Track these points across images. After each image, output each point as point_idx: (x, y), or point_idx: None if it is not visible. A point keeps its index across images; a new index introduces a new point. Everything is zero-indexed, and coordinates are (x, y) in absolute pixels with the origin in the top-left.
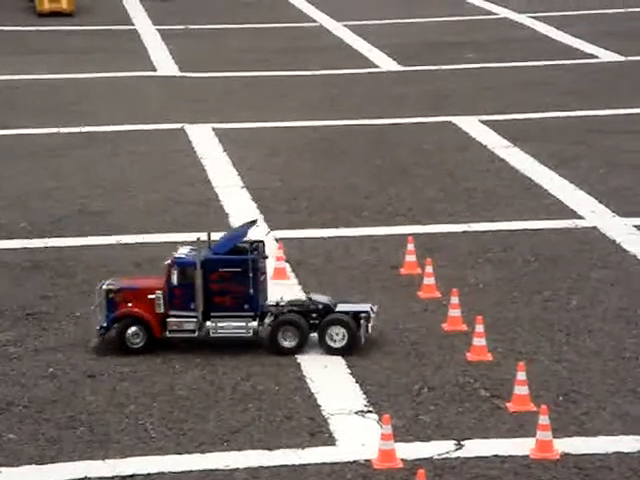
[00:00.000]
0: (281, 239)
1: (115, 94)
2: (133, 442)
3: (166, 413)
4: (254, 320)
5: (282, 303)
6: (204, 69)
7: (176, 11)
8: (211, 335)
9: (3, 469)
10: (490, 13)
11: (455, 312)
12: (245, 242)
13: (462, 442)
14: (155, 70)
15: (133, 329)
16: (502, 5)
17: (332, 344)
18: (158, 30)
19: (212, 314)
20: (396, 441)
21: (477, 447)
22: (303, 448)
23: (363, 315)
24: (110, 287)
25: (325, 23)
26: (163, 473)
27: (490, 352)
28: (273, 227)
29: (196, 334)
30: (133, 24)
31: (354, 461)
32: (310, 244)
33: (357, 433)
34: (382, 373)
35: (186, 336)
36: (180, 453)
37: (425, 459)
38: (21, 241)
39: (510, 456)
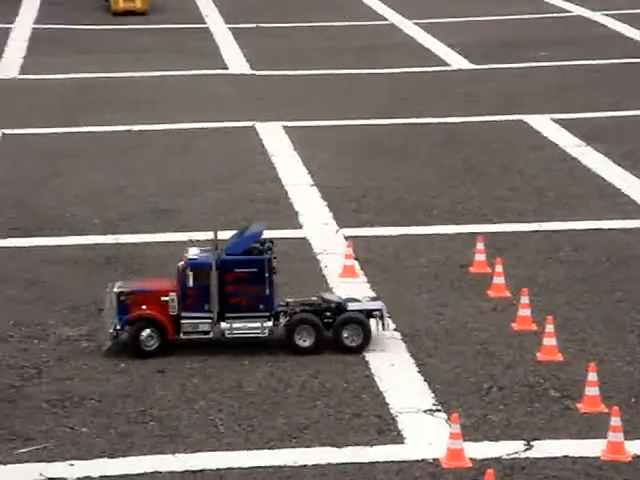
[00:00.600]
0: (350, 237)
1: (187, 92)
2: (203, 437)
3: (235, 409)
4: (269, 320)
5: (293, 303)
6: (275, 67)
7: (248, 10)
8: (226, 336)
9: (76, 462)
10: (564, 11)
11: (525, 312)
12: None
13: (532, 442)
14: (226, 68)
15: (147, 332)
16: (576, 3)
17: (349, 343)
18: (230, 29)
19: (227, 315)
20: (465, 440)
21: (547, 448)
22: (371, 446)
23: (376, 313)
24: (121, 290)
25: (396, 21)
26: (232, 468)
27: (560, 352)
28: (342, 225)
29: (211, 335)
30: (205, 23)
31: (422, 460)
32: (379, 242)
33: (425, 432)
34: (451, 372)
35: (200, 337)
36: (249, 449)
37: (494, 459)
38: (93, 237)
39: (581, 457)
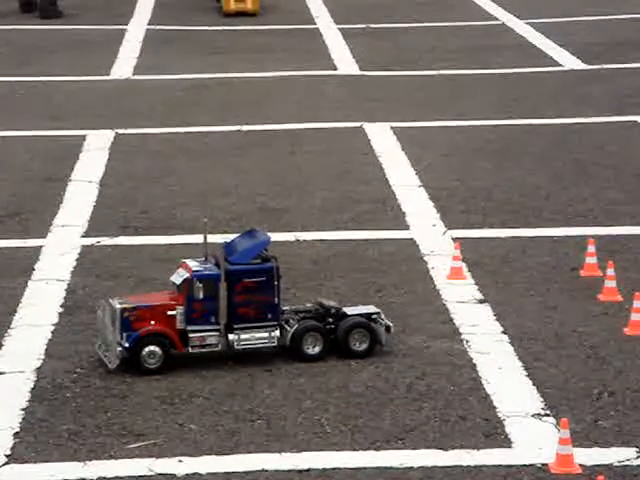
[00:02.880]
0: (458, 238)
1: (296, 93)
2: (309, 437)
3: (341, 409)
4: (276, 329)
5: (289, 311)
6: (384, 68)
7: (358, 10)
8: (235, 348)
9: (185, 458)
10: None
11: (638, 316)
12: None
13: None
14: (335, 69)
15: (152, 348)
16: None
17: (356, 348)
18: (339, 29)
19: (234, 326)
20: (574, 446)
21: None
22: (478, 449)
23: (374, 316)
24: (124, 306)
25: (507, 21)
26: (338, 468)
27: None
28: (450, 226)
29: (219, 348)
30: (315, 23)
31: (530, 464)
32: (488, 244)
33: (534, 436)
34: (560, 376)
35: (208, 350)
36: (355, 449)
37: (605, 465)
38: (202, 237)
39: None
